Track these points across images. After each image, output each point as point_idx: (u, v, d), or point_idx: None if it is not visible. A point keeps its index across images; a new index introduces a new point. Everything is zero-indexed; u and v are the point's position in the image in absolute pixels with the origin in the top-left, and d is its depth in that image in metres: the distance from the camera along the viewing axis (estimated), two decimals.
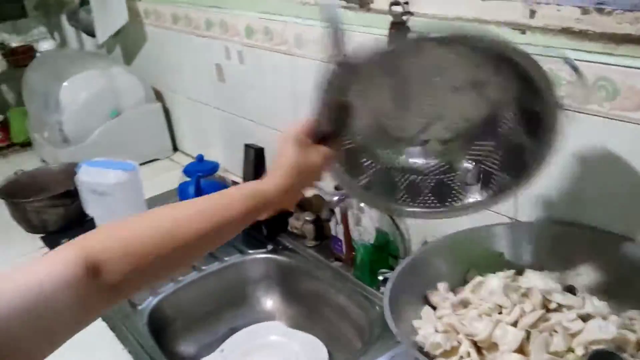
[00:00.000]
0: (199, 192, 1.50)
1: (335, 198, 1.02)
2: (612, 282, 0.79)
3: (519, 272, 0.82)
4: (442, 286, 0.83)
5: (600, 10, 0.77)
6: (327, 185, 1.23)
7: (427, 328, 0.78)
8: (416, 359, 0.68)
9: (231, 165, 1.68)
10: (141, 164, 1.78)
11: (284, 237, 1.42)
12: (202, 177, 1.50)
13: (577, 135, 0.81)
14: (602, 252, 0.80)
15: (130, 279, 0.58)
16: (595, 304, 0.74)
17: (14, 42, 2.23)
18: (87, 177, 1.37)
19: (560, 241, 0.84)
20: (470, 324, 0.75)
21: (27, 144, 2.16)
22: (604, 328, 0.68)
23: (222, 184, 1.55)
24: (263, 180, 0.74)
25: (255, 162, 1.57)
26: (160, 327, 1.23)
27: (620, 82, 0.76)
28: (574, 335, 0.70)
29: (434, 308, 0.82)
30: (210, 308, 1.34)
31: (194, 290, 1.33)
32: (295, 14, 1.28)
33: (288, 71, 1.37)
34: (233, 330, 1.32)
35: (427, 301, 0.83)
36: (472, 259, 0.86)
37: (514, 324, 0.73)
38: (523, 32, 0.86)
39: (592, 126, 0.81)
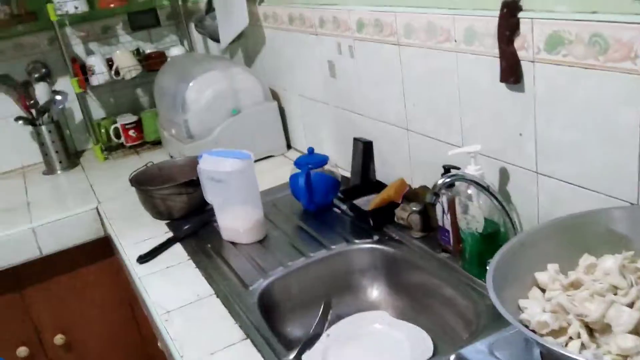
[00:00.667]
0: (309, 183, 1.55)
1: (440, 181, 1.00)
2: None
3: (638, 255, 0.76)
4: (552, 267, 0.79)
5: None
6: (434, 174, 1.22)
7: (534, 308, 0.75)
8: (525, 337, 0.65)
9: (340, 159, 1.72)
10: (257, 160, 1.87)
11: (390, 228, 1.42)
12: (312, 169, 1.55)
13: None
14: None
15: None
16: None
17: (149, 49, 2.43)
18: (207, 166, 1.46)
19: None
20: (581, 304, 0.71)
21: (157, 143, 2.34)
22: None
23: (331, 177, 1.58)
24: None
25: (364, 155, 1.60)
26: (269, 308, 1.28)
27: None
28: None
29: (543, 291, 0.79)
30: (318, 294, 1.36)
31: (302, 275, 1.37)
32: (404, 3, 1.29)
33: (396, 62, 1.38)
34: (339, 317, 1.34)
35: (535, 283, 0.80)
36: (587, 243, 0.81)
37: (630, 305, 0.68)
38: None
39: None
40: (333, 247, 1.41)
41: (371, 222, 1.43)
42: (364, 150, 1.59)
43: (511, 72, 1.05)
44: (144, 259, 1.49)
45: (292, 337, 1.30)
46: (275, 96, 2.06)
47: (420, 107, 1.35)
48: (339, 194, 1.58)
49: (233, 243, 1.50)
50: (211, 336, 1.15)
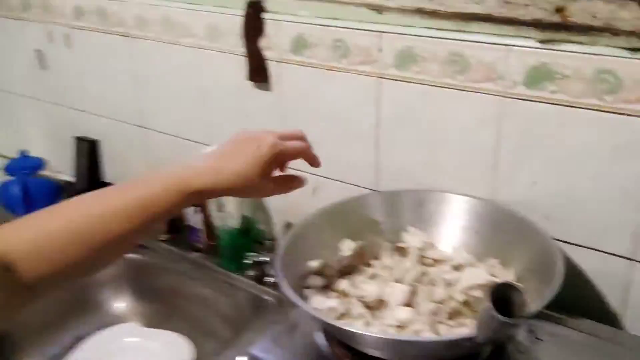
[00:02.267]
0: (27, 193, 1.34)
1: None
2: (471, 237, 0.88)
3: (396, 235, 0.88)
4: (325, 254, 0.85)
5: None
6: None
7: (318, 295, 0.79)
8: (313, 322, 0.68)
9: (59, 162, 1.52)
10: None
11: None
12: (27, 175, 1.34)
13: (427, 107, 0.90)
14: (464, 212, 0.89)
15: (46, 280, 0.53)
16: (464, 255, 0.82)
17: None
18: None
19: (423, 205, 0.92)
20: (360, 287, 0.78)
21: None
22: (477, 274, 0.76)
23: (52, 183, 1.40)
24: (188, 164, 0.66)
25: (90, 156, 1.46)
26: None
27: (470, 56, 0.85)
28: (452, 284, 0.77)
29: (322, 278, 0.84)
30: (50, 317, 1.20)
31: None
32: None
33: (126, 55, 1.28)
34: (79, 339, 1.20)
35: (312, 271, 0.85)
36: (350, 229, 0.89)
37: (399, 282, 0.78)
38: (380, 12, 0.92)
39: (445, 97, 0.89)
40: None
41: None
42: (89, 150, 1.45)
43: (258, 72, 1.08)
44: None
45: None
46: None
47: (158, 103, 1.29)
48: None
49: None
50: None
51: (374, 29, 0.93)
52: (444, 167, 0.94)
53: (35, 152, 1.51)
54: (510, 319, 0.57)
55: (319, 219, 0.90)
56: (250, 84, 1.10)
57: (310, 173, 1.09)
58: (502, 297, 0.58)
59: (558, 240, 0.84)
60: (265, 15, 1.04)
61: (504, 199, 0.89)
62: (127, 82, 1.31)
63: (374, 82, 0.96)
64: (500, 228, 0.86)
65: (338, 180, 1.07)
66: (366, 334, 0.69)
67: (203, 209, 1.19)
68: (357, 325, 0.74)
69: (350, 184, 1.05)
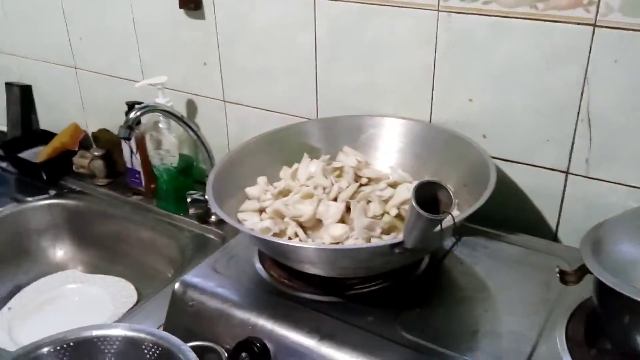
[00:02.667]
0: None
1: (133, 114, 0.94)
2: (409, 158, 0.86)
3: (333, 159, 0.86)
4: (261, 180, 0.83)
5: None
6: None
7: (253, 218, 0.77)
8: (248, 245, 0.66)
9: None
10: None
11: (68, 180, 1.28)
12: None
13: (362, 27, 0.87)
14: (401, 134, 0.87)
15: None
16: (400, 174, 0.81)
17: None
18: None
19: (361, 130, 0.90)
20: (294, 206, 0.76)
21: None
22: (411, 189, 0.75)
23: None
24: None
25: (22, 102, 1.39)
26: None
27: None
28: (386, 201, 0.76)
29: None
30: None
31: None
32: None
33: None
34: (19, 288, 1.16)
35: (247, 197, 0.83)
36: (287, 155, 0.87)
37: (334, 200, 0.77)
38: None
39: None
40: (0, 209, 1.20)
41: (44, 175, 1.26)
42: (22, 97, 1.39)
43: None
44: None
45: None
46: None
47: (90, 41, 1.23)
48: None
49: None
50: None
51: None
52: (381, 91, 0.92)
53: None
54: (436, 215, 0.56)
55: (255, 146, 0.87)
56: (182, 12, 1.05)
57: (251, 106, 1.07)
58: (428, 196, 0.57)
59: (495, 158, 0.83)
60: None
61: (442, 119, 0.88)
62: (57, 21, 1.24)
63: (309, 3, 0.92)
64: (437, 148, 0.85)
65: (278, 112, 1.04)
66: (298, 245, 0.68)
67: (141, 149, 1.15)
68: (293, 242, 0.72)
69: (291, 114, 1.03)
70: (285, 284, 0.75)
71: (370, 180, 0.81)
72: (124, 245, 1.20)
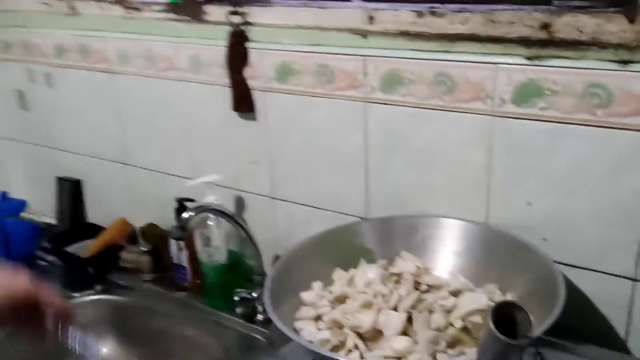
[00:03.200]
0: (5, 235, 1.29)
1: (187, 214, 0.94)
2: (467, 262, 0.84)
3: (389, 263, 0.84)
4: (317, 285, 0.81)
5: (433, 13, 0.84)
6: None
7: (309, 327, 0.75)
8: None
9: (41, 204, 1.48)
10: None
11: (114, 274, 1.28)
12: (7, 217, 1.30)
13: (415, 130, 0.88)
14: (459, 236, 0.86)
15: None
16: (461, 280, 0.79)
17: None
18: None
19: (416, 231, 0.88)
20: (354, 316, 0.74)
21: None
22: (476, 299, 0.73)
23: (33, 225, 1.36)
24: None
25: (72, 196, 1.42)
26: None
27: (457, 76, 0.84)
28: (449, 311, 0.74)
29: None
30: None
31: (6, 346, 1.12)
32: (116, 29, 1.19)
33: (109, 91, 1.26)
34: None
35: (302, 302, 0.81)
36: (341, 258, 0.86)
37: (394, 310, 0.74)
38: (364, 37, 0.91)
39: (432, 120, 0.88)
40: None
41: (90, 270, 1.26)
42: (72, 191, 1.42)
43: (243, 101, 1.06)
44: None
45: None
46: None
47: (142, 139, 1.26)
48: (45, 243, 1.36)
49: None
50: None
51: (358, 54, 0.92)
52: (435, 191, 0.92)
53: (15, 193, 1.47)
54: (515, 340, 0.53)
55: (307, 249, 0.86)
56: (235, 114, 1.08)
57: (299, 203, 1.07)
58: (505, 317, 0.55)
59: (557, 262, 0.81)
60: (249, 45, 1.02)
61: (499, 222, 0.86)
62: (110, 119, 1.29)
63: (361, 107, 0.94)
64: (497, 252, 0.82)
65: (328, 210, 1.04)
66: None
67: (189, 245, 1.15)
68: (353, 357, 0.69)
69: (341, 212, 1.02)
70: None
71: (430, 287, 0.79)
72: (168, 342, 1.17)
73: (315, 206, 1.05)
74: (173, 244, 1.18)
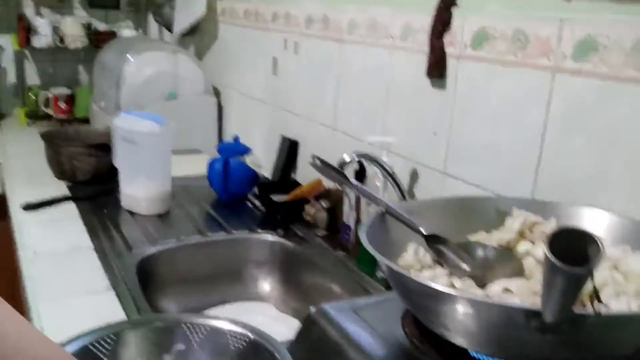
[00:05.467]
0: (226, 169, 1.49)
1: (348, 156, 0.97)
2: None
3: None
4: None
5: None
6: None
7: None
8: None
9: (267, 160, 1.66)
10: (184, 153, 1.81)
11: (297, 225, 1.36)
12: (233, 157, 1.50)
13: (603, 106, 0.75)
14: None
15: None
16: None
17: (102, 28, 2.38)
18: (123, 124, 1.40)
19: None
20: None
21: (86, 121, 2.24)
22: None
23: (250, 168, 1.53)
24: None
25: (288, 153, 1.56)
26: (149, 275, 1.19)
27: None
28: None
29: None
30: (205, 275, 1.28)
31: (194, 252, 1.29)
32: (350, 0, 1.30)
33: (336, 58, 1.37)
34: (221, 303, 1.26)
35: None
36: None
37: None
38: (568, 0, 0.82)
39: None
40: (234, 232, 1.34)
41: (279, 217, 1.38)
42: (289, 149, 1.56)
43: (437, 67, 1.04)
44: (30, 207, 1.38)
45: (161, 310, 1.20)
46: (217, 93, 2.02)
47: (348, 105, 1.34)
48: (255, 190, 1.52)
49: (131, 213, 1.42)
50: (74, 282, 1.05)
51: (556, 17, 0.83)
52: (614, 183, 0.77)
53: (248, 144, 1.69)
54: (579, 268, 0.42)
55: (435, 204, 0.81)
56: (427, 82, 1.07)
57: (469, 183, 1.00)
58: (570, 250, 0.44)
59: None
60: (454, 9, 1.01)
61: None
62: (331, 86, 1.39)
63: (548, 78, 0.85)
64: None
65: (493, 193, 0.95)
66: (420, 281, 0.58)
67: (358, 208, 1.17)
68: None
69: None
70: (419, 349, 0.65)
71: None
72: (316, 295, 1.21)
73: (485, 188, 0.97)
74: (347, 205, 1.21)
